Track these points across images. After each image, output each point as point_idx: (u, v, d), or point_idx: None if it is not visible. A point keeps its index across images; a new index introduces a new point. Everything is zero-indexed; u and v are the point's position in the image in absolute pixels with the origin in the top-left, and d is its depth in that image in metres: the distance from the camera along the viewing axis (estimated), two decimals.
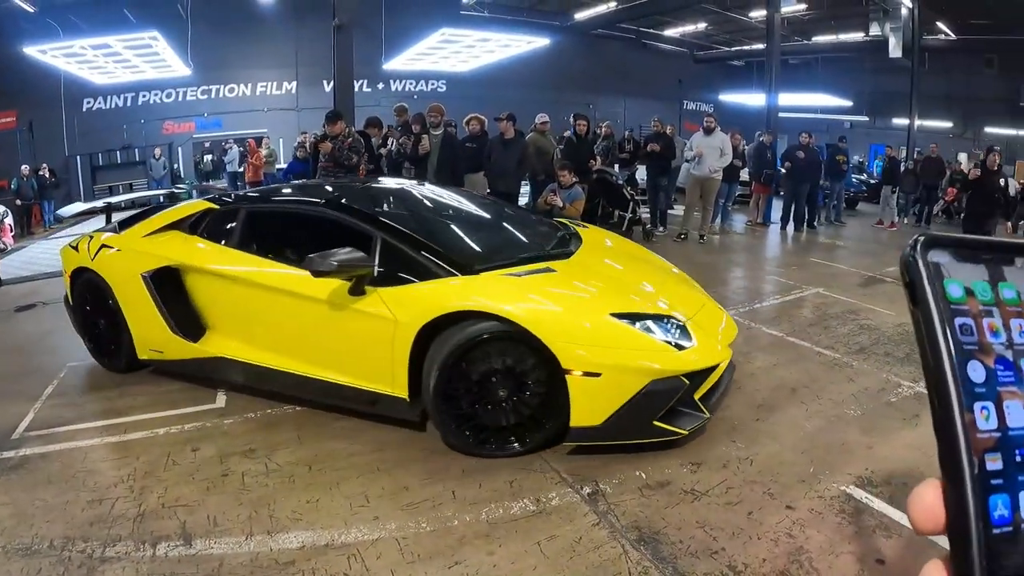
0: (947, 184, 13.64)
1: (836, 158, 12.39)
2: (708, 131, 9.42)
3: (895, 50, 16.11)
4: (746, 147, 11.76)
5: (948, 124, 20.28)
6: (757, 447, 3.54)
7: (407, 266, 3.49)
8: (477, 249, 3.96)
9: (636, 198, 9.23)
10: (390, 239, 3.58)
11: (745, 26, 20.32)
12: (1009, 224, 11.76)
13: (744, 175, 11.79)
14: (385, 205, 4.36)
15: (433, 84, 19.76)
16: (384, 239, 3.58)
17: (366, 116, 8.78)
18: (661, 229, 10.19)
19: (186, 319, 4.10)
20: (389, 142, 8.05)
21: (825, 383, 4.54)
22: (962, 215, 8.58)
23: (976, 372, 0.38)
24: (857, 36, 18.98)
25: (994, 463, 0.38)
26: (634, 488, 3.05)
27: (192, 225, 4.30)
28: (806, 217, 11.47)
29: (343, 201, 4.26)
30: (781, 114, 14.18)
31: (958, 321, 0.38)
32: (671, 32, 22.71)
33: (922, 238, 0.40)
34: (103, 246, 4.44)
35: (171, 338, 4.07)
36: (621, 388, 3.12)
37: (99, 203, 6.35)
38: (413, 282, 3.42)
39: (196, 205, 4.55)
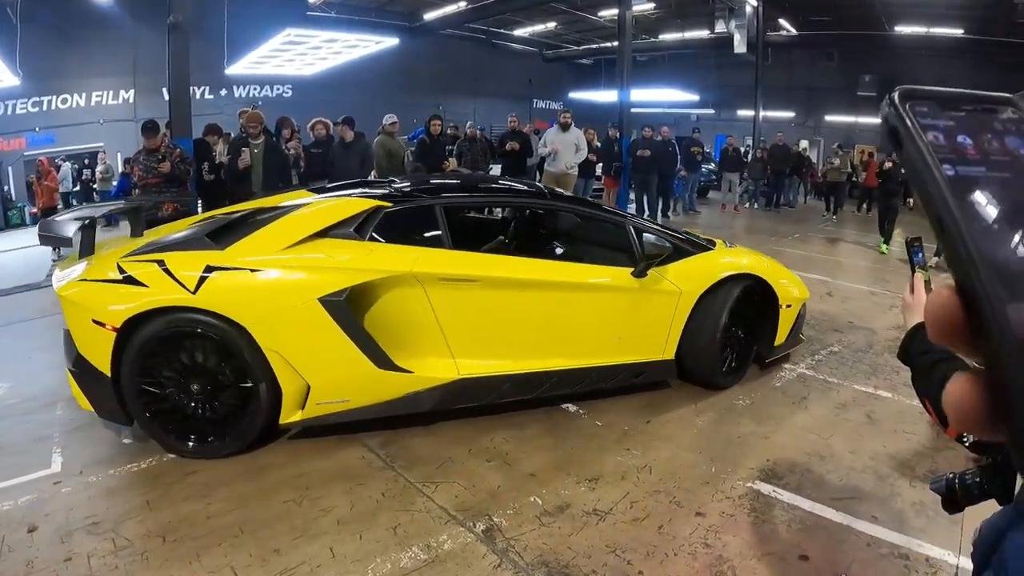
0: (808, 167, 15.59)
1: (691, 150, 13.32)
2: (564, 127, 9.66)
3: (740, 46, 17.41)
4: (599, 144, 12.32)
5: (791, 114, 22.31)
6: (652, 452, 3.48)
7: (667, 248, 4.13)
8: (682, 232, 4.70)
9: None
10: (647, 228, 4.35)
11: (594, 25, 21.15)
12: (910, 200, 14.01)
13: (599, 170, 12.42)
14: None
15: (278, 89, 19.01)
16: (642, 228, 4.28)
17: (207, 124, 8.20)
18: None
19: (381, 348, 3.38)
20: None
21: None
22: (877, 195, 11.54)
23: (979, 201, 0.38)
24: (703, 33, 20.36)
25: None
26: (532, 517, 2.85)
27: (359, 228, 3.53)
28: (660, 207, 12.29)
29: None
30: (632, 109, 14.82)
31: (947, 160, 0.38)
32: (521, 32, 23.21)
33: (899, 89, 0.41)
34: (210, 269, 3.22)
35: (372, 377, 3.34)
36: (794, 313, 4.67)
37: (89, 212, 3.88)
38: (675, 260, 4.11)
39: (354, 204, 3.66)
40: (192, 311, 3.18)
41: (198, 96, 16.97)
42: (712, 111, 24.45)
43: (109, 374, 3.21)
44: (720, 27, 17.64)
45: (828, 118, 22.03)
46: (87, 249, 3.58)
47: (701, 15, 18.81)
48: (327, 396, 3.37)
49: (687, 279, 4.06)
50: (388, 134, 8.40)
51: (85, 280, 3.30)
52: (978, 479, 1.52)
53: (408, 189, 4.01)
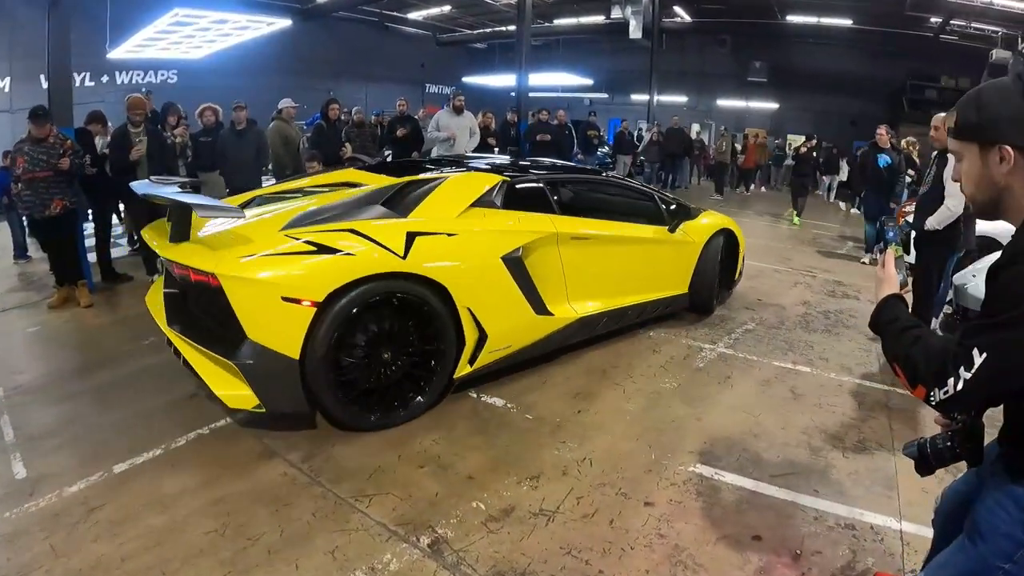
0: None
1: (588, 133, 13.49)
2: (458, 111, 9.02)
3: (635, 32, 17.66)
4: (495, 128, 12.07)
5: (684, 98, 23.08)
6: (589, 443, 3.43)
7: (684, 213, 5.46)
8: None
9: None
10: (664, 202, 5.47)
11: (489, 9, 21.01)
12: (825, 179, 16.68)
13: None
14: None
15: (163, 75, 17.74)
16: (662, 197, 5.56)
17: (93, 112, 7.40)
18: None
19: (540, 296, 4.10)
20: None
21: (632, 358, 4.69)
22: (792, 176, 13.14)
23: None
24: (598, 19, 20.59)
25: None
26: (477, 524, 2.70)
27: (495, 198, 4.11)
28: None
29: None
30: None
31: None
32: (415, 15, 22.74)
33: None
34: (412, 235, 3.46)
35: (531, 322, 4.05)
36: (742, 256, 6.30)
37: (175, 180, 4.55)
38: (687, 220, 5.43)
39: (490, 178, 4.23)
40: (398, 276, 3.34)
41: (78, 83, 15.83)
42: (606, 95, 24.94)
43: (297, 356, 3.08)
44: (616, 13, 17.86)
45: (720, 102, 22.96)
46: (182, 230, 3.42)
47: (597, 1, 19.05)
48: (498, 344, 3.85)
49: (696, 233, 5.47)
50: (284, 120, 7.96)
51: (257, 256, 3.11)
52: (949, 443, 1.58)
53: (513, 167, 4.87)
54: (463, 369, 3.72)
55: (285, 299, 3.03)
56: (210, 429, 3.48)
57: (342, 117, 9.00)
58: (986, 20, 14.55)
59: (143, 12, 13.89)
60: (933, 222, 4.69)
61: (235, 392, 3.11)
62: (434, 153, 9.18)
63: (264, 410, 3.15)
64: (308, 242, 3.21)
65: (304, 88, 16.98)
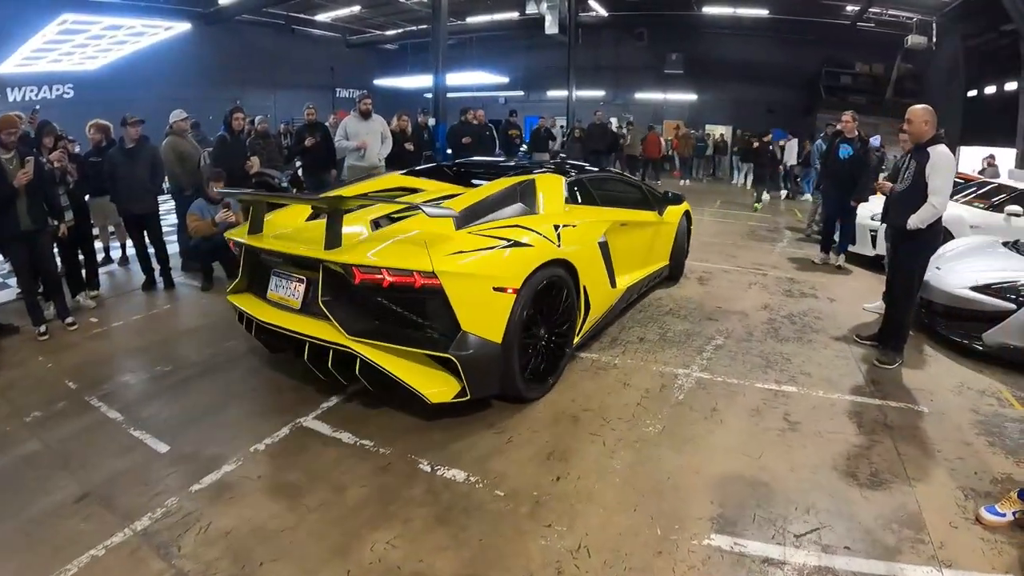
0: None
1: (509, 133, 13.00)
2: (365, 115, 8.16)
3: (551, 27, 17.35)
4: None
5: (601, 92, 22.87)
6: (580, 522, 2.81)
7: (664, 199, 6.61)
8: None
9: None
10: (650, 191, 6.51)
11: (400, 8, 20.26)
12: (743, 165, 17.96)
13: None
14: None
15: (59, 89, 16.30)
16: (648, 190, 6.48)
17: None
18: None
19: (615, 273, 4.98)
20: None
21: (603, 397, 4.10)
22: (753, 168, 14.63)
23: None
24: (513, 16, 20.16)
25: None
26: None
27: (569, 196, 4.78)
28: None
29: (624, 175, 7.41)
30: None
31: None
32: (323, 16, 21.71)
33: None
34: (557, 227, 4.16)
35: (609, 294, 4.91)
36: (692, 226, 7.53)
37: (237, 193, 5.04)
38: (668, 206, 6.49)
39: (560, 178, 4.81)
40: (555, 262, 3.94)
41: None
42: (521, 92, 24.57)
43: (500, 340, 3.50)
44: (531, 8, 17.46)
45: (638, 96, 22.88)
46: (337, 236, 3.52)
47: None
48: (594, 314, 4.63)
49: (673, 215, 6.55)
50: (178, 134, 7.03)
51: (461, 252, 3.45)
52: None
53: (565, 168, 5.36)
54: (579, 337, 4.45)
55: (495, 289, 3.48)
56: (105, 548, 2.67)
57: (246, 128, 8.06)
58: (903, 6, 14.83)
59: (30, 20, 12.81)
60: (917, 221, 4.35)
61: (438, 388, 3.41)
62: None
63: (467, 397, 3.46)
64: (499, 237, 3.69)
65: (209, 98, 15.94)
